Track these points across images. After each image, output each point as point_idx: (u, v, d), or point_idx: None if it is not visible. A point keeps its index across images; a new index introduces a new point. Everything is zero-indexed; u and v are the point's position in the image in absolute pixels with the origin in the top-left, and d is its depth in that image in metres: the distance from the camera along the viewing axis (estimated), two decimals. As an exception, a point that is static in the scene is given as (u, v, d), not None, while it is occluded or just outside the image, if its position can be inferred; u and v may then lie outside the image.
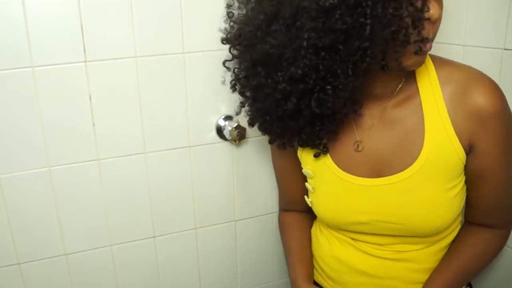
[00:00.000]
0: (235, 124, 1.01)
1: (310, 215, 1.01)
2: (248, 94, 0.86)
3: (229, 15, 0.88)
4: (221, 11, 0.93)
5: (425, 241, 0.86)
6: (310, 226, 1.03)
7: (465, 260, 0.85)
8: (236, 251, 1.18)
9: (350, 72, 0.70)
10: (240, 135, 1.02)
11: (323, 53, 0.69)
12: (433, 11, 0.69)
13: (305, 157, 0.91)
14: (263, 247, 1.21)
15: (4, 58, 0.85)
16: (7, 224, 0.94)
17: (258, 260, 1.22)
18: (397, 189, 0.80)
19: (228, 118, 1.05)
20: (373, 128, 0.83)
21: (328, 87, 0.72)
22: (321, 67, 0.70)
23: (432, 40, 0.73)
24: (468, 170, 0.82)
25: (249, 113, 0.89)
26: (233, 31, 0.87)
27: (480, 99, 0.76)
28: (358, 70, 0.70)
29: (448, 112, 0.78)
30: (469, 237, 0.87)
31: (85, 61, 0.90)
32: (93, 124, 0.95)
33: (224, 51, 0.96)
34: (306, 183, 0.93)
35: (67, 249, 1.01)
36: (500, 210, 0.86)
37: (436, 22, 0.71)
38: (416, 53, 0.70)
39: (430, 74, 0.80)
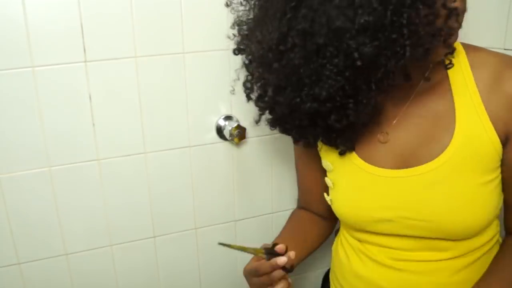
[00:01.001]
0: (235, 124, 1.01)
1: (323, 220, 0.99)
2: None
3: (237, 23, 0.83)
4: (221, 11, 0.93)
5: (454, 248, 0.78)
6: (319, 230, 0.99)
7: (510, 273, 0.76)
8: (236, 251, 1.18)
9: (373, 87, 0.67)
10: (240, 135, 1.02)
11: (348, 73, 0.65)
12: (458, 1, 0.65)
13: (325, 148, 0.86)
14: (263, 247, 1.21)
15: (4, 58, 0.85)
16: (7, 224, 0.94)
17: (258, 260, 1.22)
18: (424, 181, 0.74)
19: (228, 118, 1.05)
20: (399, 117, 0.78)
21: (351, 101, 0.69)
22: (347, 87, 0.67)
23: (457, 30, 0.69)
24: (505, 165, 0.74)
25: (268, 120, 0.83)
26: (245, 43, 0.82)
27: None
28: (383, 85, 0.67)
29: (482, 98, 0.72)
30: (505, 250, 0.79)
31: (85, 61, 0.90)
32: (93, 124, 0.95)
33: (224, 51, 0.96)
34: (326, 178, 0.88)
35: (67, 249, 1.01)
36: None
37: (461, 14, 0.68)
38: (442, 46, 0.67)
39: (461, 59, 0.75)
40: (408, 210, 0.76)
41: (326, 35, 0.63)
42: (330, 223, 1.01)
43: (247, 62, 0.84)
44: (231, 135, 1.02)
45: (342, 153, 0.82)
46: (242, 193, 1.13)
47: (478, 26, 0.94)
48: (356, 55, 0.63)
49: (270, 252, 0.79)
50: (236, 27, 0.84)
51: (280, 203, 1.17)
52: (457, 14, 0.66)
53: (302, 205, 1.04)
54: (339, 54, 0.64)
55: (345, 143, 0.79)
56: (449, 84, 0.75)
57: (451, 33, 0.66)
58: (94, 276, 1.05)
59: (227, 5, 0.85)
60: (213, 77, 1.01)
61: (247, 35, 0.81)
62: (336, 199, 0.86)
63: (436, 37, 0.64)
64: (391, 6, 0.60)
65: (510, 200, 0.77)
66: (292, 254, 0.77)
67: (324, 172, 0.90)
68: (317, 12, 0.63)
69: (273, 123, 0.81)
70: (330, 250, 1.01)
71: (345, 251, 0.91)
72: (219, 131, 1.05)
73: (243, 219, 1.16)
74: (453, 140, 0.73)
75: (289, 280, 0.81)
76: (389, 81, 0.66)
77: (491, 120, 0.72)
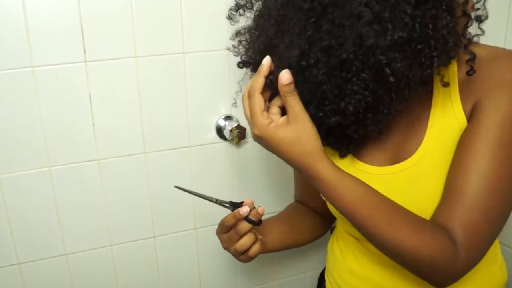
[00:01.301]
0: (235, 124, 1.01)
1: (318, 216, 0.99)
2: None
3: (241, 34, 0.79)
4: (221, 11, 0.93)
5: None
6: (311, 222, 1.00)
7: (396, 217, 0.67)
8: (236, 251, 1.19)
9: (394, 97, 0.65)
10: (240, 135, 1.02)
11: (373, 86, 0.64)
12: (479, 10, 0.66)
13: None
14: (263, 247, 1.21)
15: (4, 58, 0.85)
16: (7, 224, 0.94)
17: (258, 260, 1.21)
18: (407, 176, 0.74)
19: (228, 118, 1.05)
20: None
21: (372, 113, 0.67)
22: (370, 99, 0.65)
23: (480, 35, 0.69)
24: (459, 139, 0.69)
25: None
26: (251, 56, 0.78)
27: (503, 68, 0.68)
28: (404, 95, 0.66)
29: (460, 88, 0.71)
30: (431, 223, 0.69)
31: (85, 61, 0.90)
32: (93, 124, 0.95)
33: (224, 51, 0.96)
34: None
35: (67, 249, 1.01)
36: (460, 211, 0.66)
37: (484, 19, 0.68)
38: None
39: None
40: None
41: (354, 51, 0.61)
42: (325, 221, 1.01)
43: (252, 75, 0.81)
44: (231, 135, 1.02)
45: (342, 156, 0.81)
46: (242, 193, 1.13)
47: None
48: (388, 71, 0.61)
49: (235, 204, 0.80)
50: (238, 39, 0.80)
51: (280, 203, 1.17)
52: (479, 21, 0.66)
53: (298, 200, 1.05)
54: (367, 69, 0.62)
55: (354, 148, 0.79)
56: (432, 79, 0.75)
57: (471, 39, 0.66)
58: (94, 276, 1.05)
59: (229, 17, 0.81)
60: (213, 77, 1.01)
61: (252, 47, 0.77)
62: None
63: (459, 44, 0.63)
64: (419, 19, 0.60)
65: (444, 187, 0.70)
66: (260, 209, 0.77)
67: None
68: (341, 27, 0.62)
69: None
70: (315, 254, 1.01)
71: (341, 249, 0.92)
72: (219, 131, 1.05)
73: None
74: (426, 132, 0.72)
75: (259, 236, 0.82)
76: (411, 90, 0.65)
77: (462, 105, 0.70)
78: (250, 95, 0.67)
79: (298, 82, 0.66)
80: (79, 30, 0.88)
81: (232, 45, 0.81)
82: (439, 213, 0.69)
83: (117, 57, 0.92)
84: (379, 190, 0.75)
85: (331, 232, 1.03)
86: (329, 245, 1.00)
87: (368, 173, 0.79)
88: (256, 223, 0.79)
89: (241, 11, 0.79)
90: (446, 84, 0.69)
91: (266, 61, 0.67)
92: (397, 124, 0.78)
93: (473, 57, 0.67)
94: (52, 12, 0.85)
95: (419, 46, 0.61)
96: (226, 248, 0.84)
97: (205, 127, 1.05)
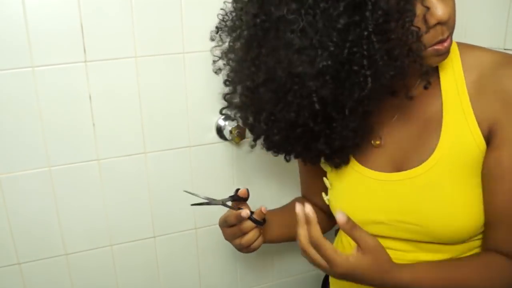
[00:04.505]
0: (235, 124, 1.01)
1: (321, 212, 0.98)
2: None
3: (225, 57, 0.82)
4: (221, 11, 0.93)
5: (448, 250, 0.76)
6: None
7: (464, 274, 0.73)
8: (236, 251, 1.18)
9: (347, 113, 0.67)
10: (240, 135, 1.02)
11: (301, 111, 0.68)
12: (441, 12, 0.62)
13: None
14: (263, 247, 1.21)
15: (4, 58, 0.85)
16: (7, 224, 0.94)
17: (258, 260, 1.22)
18: (414, 185, 0.74)
19: (228, 118, 1.05)
20: (394, 121, 0.78)
21: (327, 128, 0.70)
22: (318, 118, 0.69)
23: (450, 35, 0.66)
24: (484, 164, 0.71)
25: (263, 145, 0.84)
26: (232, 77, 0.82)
27: (509, 81, 0.68)
28: (358, 112, 0.67)
29: (471, 99, 0.71)
30: (481, 254, 0.76)
31: (85, 61, 0.90)
32: (93, 124, 0.95)
33: (224, 51, 0.96)
34: (324, 179, 0.89)
35: (67, 249, 1.01)
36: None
37: (448, 21, 0.64)
38: (435, 55, 0.66)
39: (454, 61, 0.74)
40: (400, 214, 0.76)
41: (285, 77, 0.65)
42: (329, 218, 1.00)
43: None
44: (231, 135, 1.02)
45: (337, 167, 0.83)
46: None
47: (478, 26, 0.94)
48: (314, 98, 0.64)
49: (234, 198, 0.83)
50: (225, 59, 0.83)
51: (280, 203, 1.17)
52: (427, 31, 0.63)
53: (303, 195, 1.06)
54: (301, 95, 0.65)
55: (342, 159, 0.81)
56: (440, 87, 0.75)
57: (418, 54, 0.64)
58: (94, 276, 1.05)
59: (211, 39, 0.83)
60: (213, 77, 1.01)
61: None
62: (332, 199, 0.88)
63: (401, 61, 0.63)
64: (348, 44, 0.60)
65: (486, 207, 0.73)
66: (263, 208, 0.81)
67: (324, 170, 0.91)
68: (277, 53, 0.65)
69: (268, 148, 0.83)
70: None
71: (345, 251, 0.91)
72: (219, 131, 1.05)
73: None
74: (439, 144, 0.72)
75: (260, 230, 0.85)
76: (365, 107, 0.66)
77: (477, 121, 0.71)
78: (315, 245, 0.71)
79: (251, 99, 0.73)
80: (79, 30, 0.88)
81: (219, 68, 0.85)
82: (494, 239, 0.74)
83: (117, 57, 0.92)
84: (384, 197, 0.77)
85: (335, 235, 1.02)
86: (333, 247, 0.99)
87: (373, 179, 0.79)
88: (260, 222, 0.82)
89: (221, 33, 0.81)
90: (409, 97, 0.71)
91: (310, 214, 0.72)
92: (404, 132, 0.78)
93: (427, 71, 0.66)
94: (52, 12, 0.86)
95: (355, 68, 0.61)
96: (229, 240, 0.88)
97: (205, 127, 1.05)
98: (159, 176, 1.04)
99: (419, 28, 0.61)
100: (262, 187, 1.15)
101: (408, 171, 0.75)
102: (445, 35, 0.65)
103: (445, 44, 0.66)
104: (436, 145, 0.73)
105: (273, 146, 0.81)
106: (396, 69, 0.63)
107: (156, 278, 1.12)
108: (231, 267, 1.19)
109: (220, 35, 0.82)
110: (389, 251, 0.79)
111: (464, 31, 0.97)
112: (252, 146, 0.86)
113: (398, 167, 0.77)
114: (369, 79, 0.62)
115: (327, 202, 0.90)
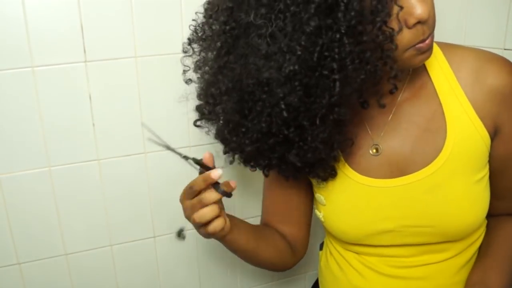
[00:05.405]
0: (235, 124, 1.01)
1: (285, 240, 0.91)
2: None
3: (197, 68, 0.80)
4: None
5: (455, 247, 0.77)
6: (279, 240, 0.91)
7: (507, 251, 0.78)
8: (236, 251, 1.19)
9: (318, 122, 0.64)
10: (240, 135, 1.01)
11: (270, 120, 0.64)
12: (420, 10, 0.60)
13: None
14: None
15: (4, 58, 0.85)
16: (7, 224, 0.94)
17: (258, 260, 1.22)
18: (423, 186, 0.73)
19: (228, 118, 1.05)
20: (389, 126, 0.77)
21: (298, 138, 0.66)
22: (290, 127, 0.65)
23: (431, 33, 0.65)
24: (494, 157, 0.75)
25: (240, 159, 0.81)
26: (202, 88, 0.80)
27: (498, 79, 0.71)
28: (328, 120, 0.64)
29: (467, 95, 0.72)
30: (505, 226, 0.81)
31: (85, 61, 0.90)
32: (93, 124, 0.95)
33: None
34: (317, 194, 0.84)
35: (67, 249, 1.01)
36: None
37: (428, 19, 0.62)
38: (417, 54, 0.65)
39: (439, 59, 0.75)
40: (409, 218, 0.75)
41: (253, 84, 0.63)
42: (291, 251, 0.92)
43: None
44: (231, 135, 1.01)
45: (325, 180, 0.78)
46: (242, 193, 1.13)
47: (478, 26, 0.94)
48: (282, 105, 0.62)
49: (198, 162, 0.74)
50: (198, 71, 0.81)
51: (280, 203, 1.17)
52: (395, 35, 0.61)
53: (266, 223, 0.95)
54: (270, 104, 0.63)
55: (326, 172, 0.77)
56: (433, 86, 0.74)
57: (389, 55, 0.62)
58: (94, 276, 1.05)
59: (183, 51, 0.81)
60: (213, 77, 1.01)
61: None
62: (330, 216, 0.82)
63: (372, 64, 0.61)
64: (318, 47, 0.58)
65: (497, 188, 0.79)
66: (233, 182, 0.72)
67: (303, 191, 0.87)
68: (245, 59, 0.62)
69: (244, 161, 0.80)
70: (316, 254, 1.00)
71: (339, 266, 0.88)
72: (219, 131, 1.05)
73: (244, 219, 1.16)
74: (446, 142, 0.72)
75: (225, 215, 0.75)
76: (334, 115, 0.63)
77: (479, 116, 0.72)
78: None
79: (221, 109, 0.70)
80: (79, 30, 0.88)
81: (193, 80, 0.83)
82: (506, 207, 0.82)
83: (117, 57, 0.92)
84: (389, 204, 0.76)
85: (321, 249, 0.98)
86: (322, 264, 0.95)
87: (375, 187, 0.77)
88: (227, 193, 0.71)
89: (193, 45, 0.79)
90: (382, 106, 0.68)
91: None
92: (402, 136, 0.76)
93: (395, 75, 0.64)
94: (52, 12, 0.86)
95: (325, 72, 0.59)
96: (187, 217, 0.75)
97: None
98: (159, 176, 1.04)
99: (392, 28, 0.59)
100: (262, 188, 1.15)
101: (414, 173, 0.74)
102: (426, 35, 0.64)
103: (427, 41, 0.64)
104: (442, 143, 0.73)
105: (249, 160, 0.77)
106: (367, 72, 0.60)
107: (156, 278, 1.12)
108: (231, 267, 1.19)
109: (192, 47, 0.79)
110: (393, 259, 0.80)
111: (464, 31, 0.97)
112: (231, 162, 0.80)
113: (401, 172, 0.76)
114: (338, 83, 0.60)
115: (321, 219, 0.85)
